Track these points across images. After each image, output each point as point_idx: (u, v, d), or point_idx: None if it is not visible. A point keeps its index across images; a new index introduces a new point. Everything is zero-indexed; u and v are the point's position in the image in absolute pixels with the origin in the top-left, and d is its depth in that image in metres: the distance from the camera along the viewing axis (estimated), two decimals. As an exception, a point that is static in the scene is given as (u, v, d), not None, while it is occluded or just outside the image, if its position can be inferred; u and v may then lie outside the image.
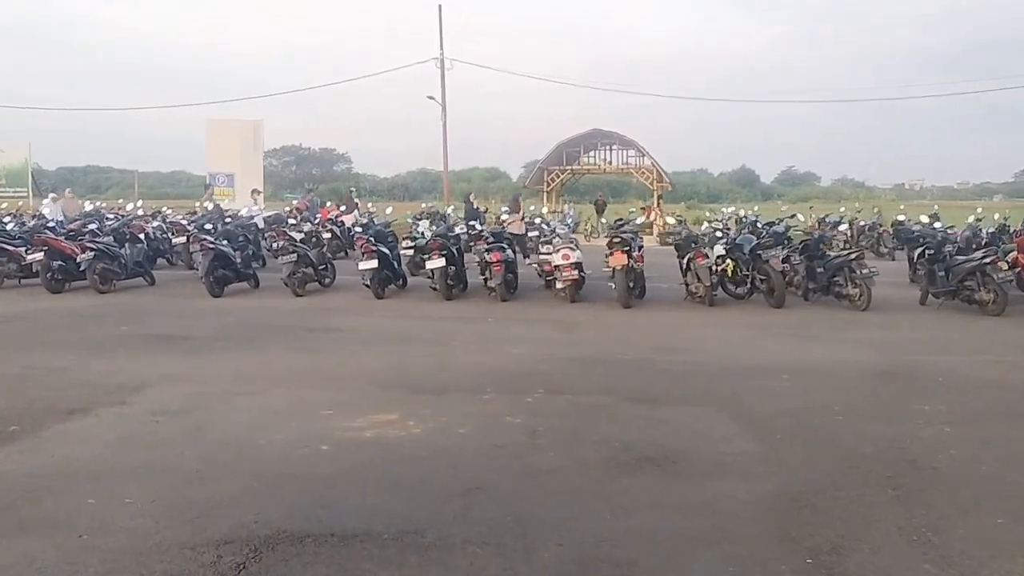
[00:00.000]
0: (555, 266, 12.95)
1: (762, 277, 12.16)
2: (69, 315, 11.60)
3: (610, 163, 34.33)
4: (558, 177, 32.99)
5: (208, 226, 16.55)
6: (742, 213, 24.39)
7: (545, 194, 32.96)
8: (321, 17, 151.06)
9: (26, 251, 14.29)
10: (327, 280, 14.47)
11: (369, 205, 26.88)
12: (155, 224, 18.31)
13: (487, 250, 13.04)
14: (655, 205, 31.90)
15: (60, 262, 13.73)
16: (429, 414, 6.33)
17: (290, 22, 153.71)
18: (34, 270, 13.71)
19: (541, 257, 14.20)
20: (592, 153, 34.14)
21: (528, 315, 11.76)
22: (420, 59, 41.53)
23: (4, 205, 23.90)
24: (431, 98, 37.76)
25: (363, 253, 13.28)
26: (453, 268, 13.25)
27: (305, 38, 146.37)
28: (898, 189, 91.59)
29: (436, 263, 12.91)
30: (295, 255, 13.59)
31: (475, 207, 26.81)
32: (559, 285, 12.93)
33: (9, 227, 16.29)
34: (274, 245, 17.59)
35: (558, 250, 12.91)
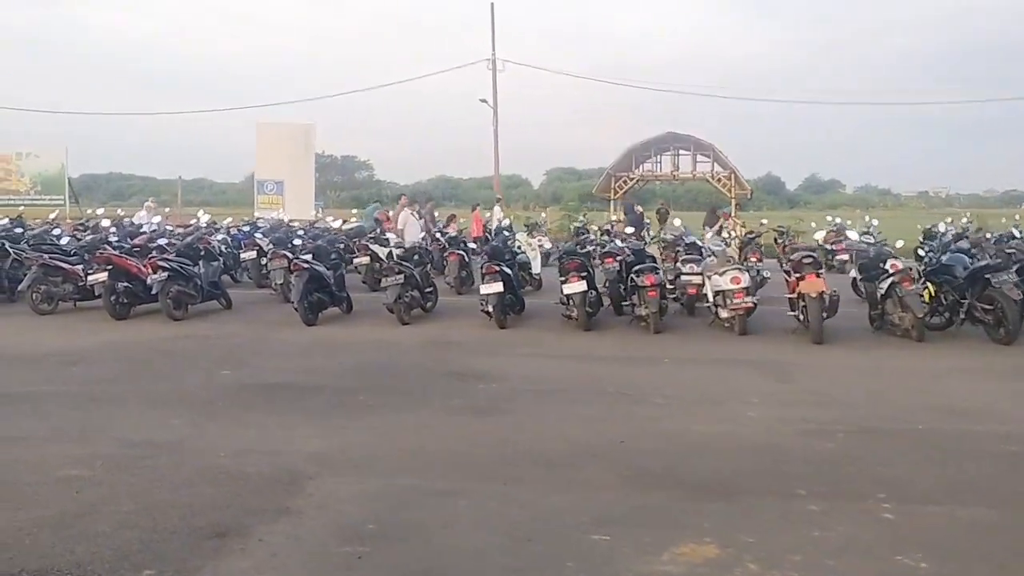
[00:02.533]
0: (719, 291, 10.78)
1: (986, 306, 9.90)
2: (147, 351, 9.56)
3: (678, 168, 32.17)
4: (627, 183, 30.82)
5: (298, 241, 14.47)
6: (869, 221, 21.81)
7: (612, 202, 30.80)
8: (341, 24, 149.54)
9: (85, 269, 12.35)
10: (429, 304, 12.37)
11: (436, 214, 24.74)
12: (219, 237, 16.31)
13: (638, 271, 10.86)
14: (732, 213, 29.65)
15: (126, 283, 11.73)
16: (757, 544, 4.17)
17: (308, 29, 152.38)
18: (96, 293, 11.71)
19: (683, 279, 12.04)
20: (657, 158, 32.03)
21: (707, 354, 9.58)
22: (470, 61, 39.58)
23: (53, 214, 21.83)
24: (483, 101, 35.75)
25: (485, 275, 11.16)
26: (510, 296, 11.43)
27: (326, 46, 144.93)
28: (923, 197, 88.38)
29: (575, 286, 10.76)
30: (401, 276, 11.48)
31: (640, 214, 24.09)
32: (724, 314, 10.75)
33: (64, 241, 14.28)
34: (355, 261, 15.66)
35: (724, 272, 10.73)
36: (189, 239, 13.17)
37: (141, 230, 17.27)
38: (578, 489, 4.99)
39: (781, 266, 15.29)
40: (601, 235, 22.73)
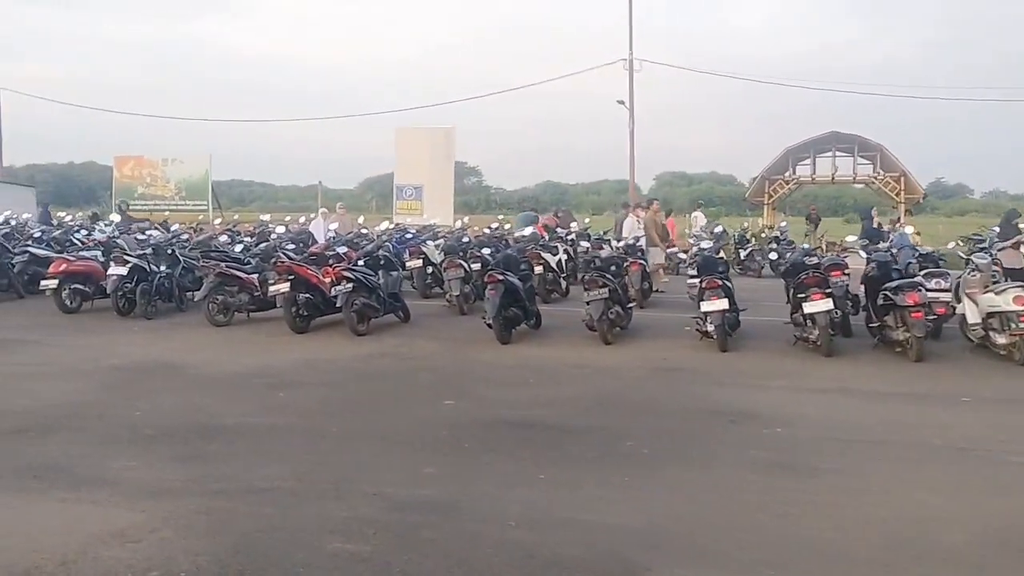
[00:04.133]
0: (994, 313, 9.05)
1: None
2: (347, 373, 8.62)
3: (836, 170, 29.84)
4: (782, 187, 28.76)
5: (486, 250, 13.46)
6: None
7: (766, 207, 28.79)
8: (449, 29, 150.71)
9: (260, 277, 11.66)
10: (625, 321, 11.02)
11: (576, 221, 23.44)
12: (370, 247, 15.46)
13: (896, 288, 9.21)
14: (899, 219, 27.18)
15: (307, 294, 10.91)
16: None
17: (418, 38, 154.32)
18: (277, 304, 10.95)
19: (929, 295, 10.27)
20: (815, 160, 29.78)
21: (1009, 392, 7.91)
22: (606, 62, 38.20)
23: (219, 221, 21.54)
24: (620, 103, 34.33)
25: (706, 289, 9.77)
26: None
27: (425, 55, 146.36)
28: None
29: (818, 305, 9.23)
30: (605, 290, 10.20)
31: (878, 226, 21.47)
32: (1001, 340, 9.01)
33: (238, 248, 13.71)
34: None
35: (1003, 291, 9.00)
36: (370, 247, 12.29)
37: (300, 236, 16.69)
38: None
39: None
40: (768, 242, 21.01)
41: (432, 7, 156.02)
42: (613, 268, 11.40)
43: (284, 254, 12.20)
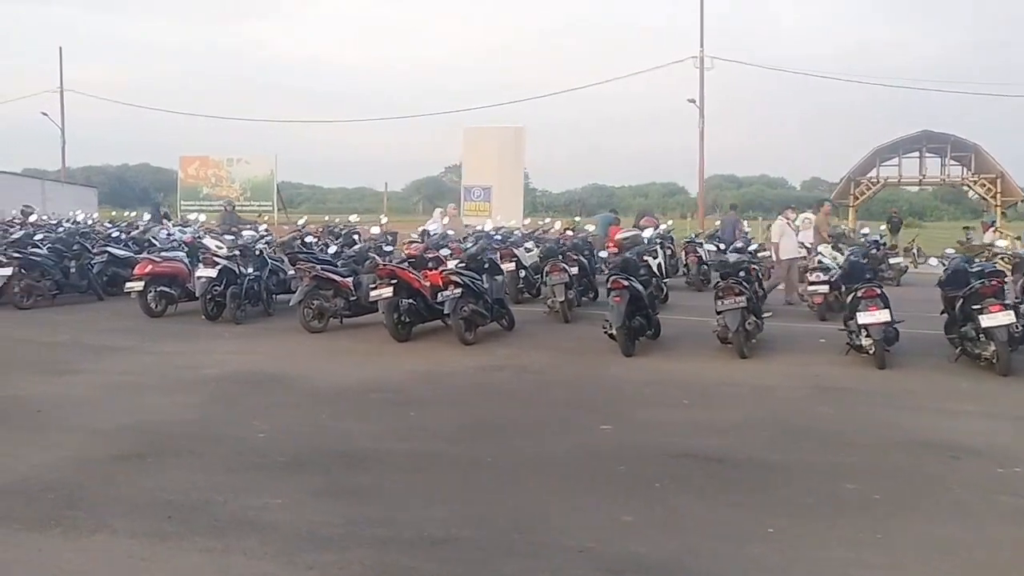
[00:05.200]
0: None
1: None
2: (469, 388, 7.80)
3: (925, 171, 28.32)
4: (868, 188, 27.36)
5: (603, 253, 12.58)
6: None
7: (852, 209, 27.41)
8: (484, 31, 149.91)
9: (355, 282, 10.93)
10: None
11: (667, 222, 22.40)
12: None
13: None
14: (995, 222, 25.59)
15: (410, 300, 10.12)
16: None
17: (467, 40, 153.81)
18: (380, 309, 10.15)
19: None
20: (896, 161, 28.31)
21: None
22: (676, 59, 37.06)
23: (312, 224, 20.77)
24: (691, 101, 33.21)
25: (863, 298, 8.73)
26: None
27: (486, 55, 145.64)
28: None
29: (997, 318, 8.14)
30: (743, 298, 9.20)
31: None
32: None
33: (331, 250, 12.98)
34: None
35: None
36: (472, 249, 11.45)
37: (380, 239, 15.99)
38: None
39: None
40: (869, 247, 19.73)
41: (457, 14, 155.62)
42: (742, 273, 10.39)
43: (372, 255, 11.44)
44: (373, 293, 10.04)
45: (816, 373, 8.50)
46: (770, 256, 13.90)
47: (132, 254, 14.62)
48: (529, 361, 9.05)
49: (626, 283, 9.40)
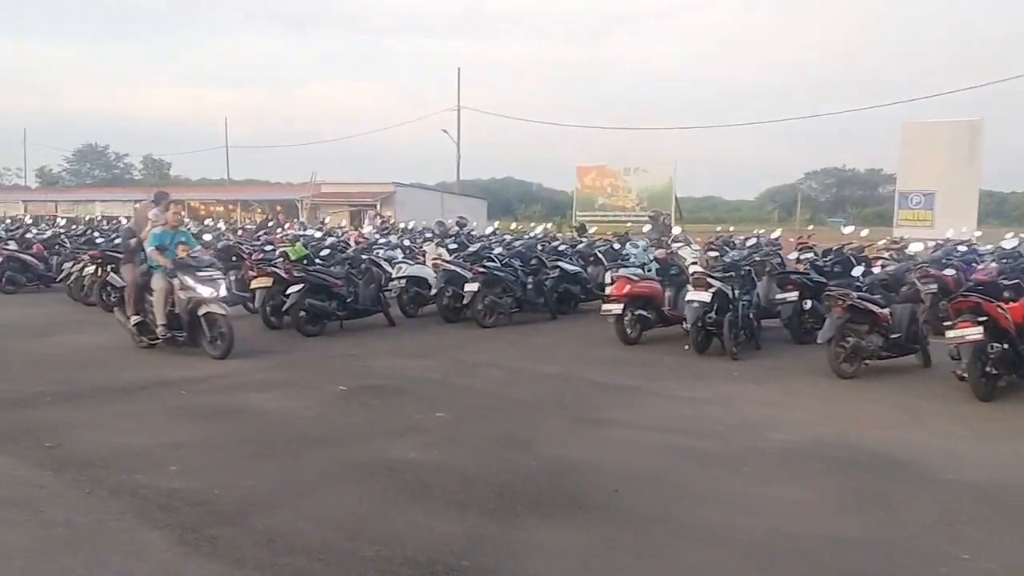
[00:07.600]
0: None
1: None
2: None
3: None
4: None
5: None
6: None
7: None
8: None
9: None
10: None
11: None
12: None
13: None
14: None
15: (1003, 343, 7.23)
16: None
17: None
18: (958, 356, 7.42)
19: None
20: None
21: None
22: None
23: (678, 230, 19.35)
24: None
25: None
26: None
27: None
28: None
29: None
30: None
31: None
32: None
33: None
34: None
35: None
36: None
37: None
38: None
39: None
40: None
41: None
42: None
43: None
44: (953, 333, 7.34)
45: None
46: None
47: (580, 269, 13.55)
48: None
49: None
